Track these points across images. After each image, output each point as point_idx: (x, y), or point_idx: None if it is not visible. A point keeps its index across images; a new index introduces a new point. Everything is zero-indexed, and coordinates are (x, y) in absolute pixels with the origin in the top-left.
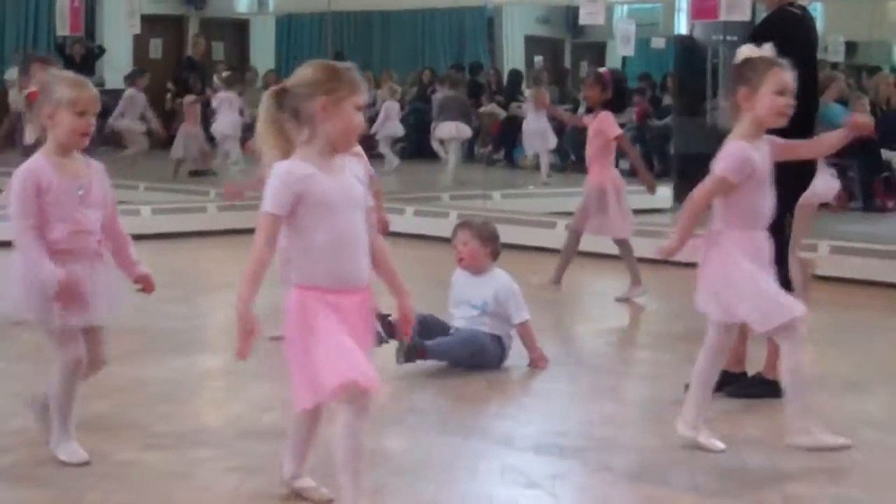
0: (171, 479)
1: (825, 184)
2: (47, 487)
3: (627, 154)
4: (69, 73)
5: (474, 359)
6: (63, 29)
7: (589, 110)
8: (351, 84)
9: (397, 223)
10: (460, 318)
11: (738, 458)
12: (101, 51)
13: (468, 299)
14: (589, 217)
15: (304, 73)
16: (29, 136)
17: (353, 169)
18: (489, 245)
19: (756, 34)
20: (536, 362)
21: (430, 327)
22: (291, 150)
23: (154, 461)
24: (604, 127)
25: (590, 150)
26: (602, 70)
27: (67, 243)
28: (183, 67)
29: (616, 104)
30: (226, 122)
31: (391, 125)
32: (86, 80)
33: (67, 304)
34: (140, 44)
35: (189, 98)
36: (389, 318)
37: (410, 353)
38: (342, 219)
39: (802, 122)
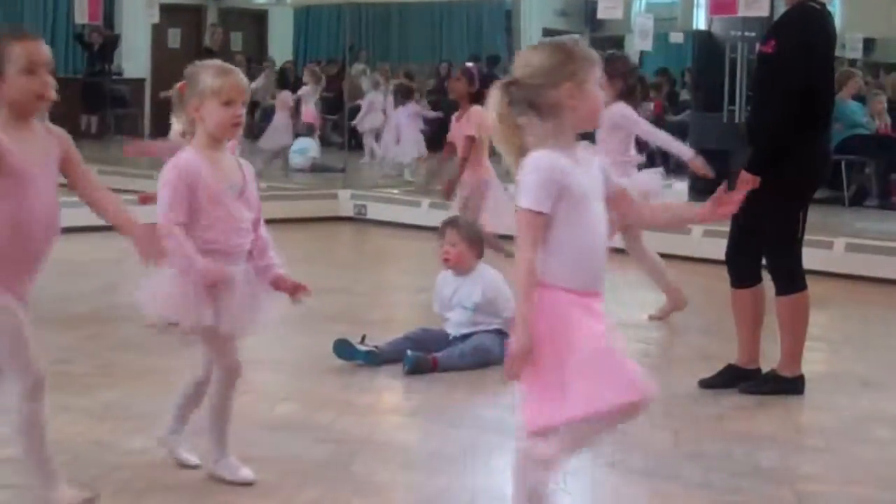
0: (180, 469)
1: (646, 179)
2: None
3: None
4: (216, 61)
5: (485, 364)
6: (82, 17)
7: (455, 105)
8: (586, 60)
9: (413, 215)
10: (456, 322)
11: (751, 455)
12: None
13: (460, 301)
14: (479, 213)
15: (534, 59)
16: (176, 130)
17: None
18: (476, 247)
19: (775, 29)
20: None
21: (427, 342)
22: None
23: (164, 451)
24: (470, 123)
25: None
26: (469, 64)
27: (223, 243)
28: (201, 58)
29: (479, 97)
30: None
31: (373, 116)
32: (232, 67)
33: (219, 303)
34: (158, 33)
35: (285, 93)
36: (375, 348)
37: (421, 367)
38: (595, 213)
39: (821, 119)
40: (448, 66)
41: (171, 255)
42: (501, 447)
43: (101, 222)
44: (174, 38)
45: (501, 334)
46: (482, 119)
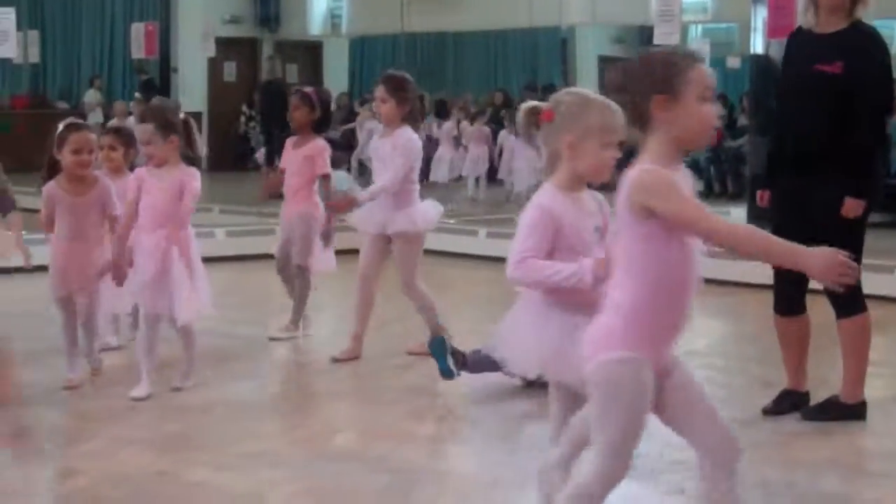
0: (243, 500)
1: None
2: None
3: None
4: (598, 97)
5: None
6: (138, 52)
7: (293, 133)
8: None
9: (470, 245)
10: None
11: (814, 482)
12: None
13: None
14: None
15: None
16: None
17: None
18: None
19: (840, 49)
20: None
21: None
22: None
23: (225, 482)
24: (314, 155)
25: (297, 178)
26: (308, 89)
27: (579, 293)
28: (262, 91)
29: (322, 125)
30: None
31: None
32: (616, 106)
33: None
34: (214, 67)
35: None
36: (464, 353)
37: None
38: None
39: (889, 138)
40: (503, 95)
41: (531, 285)
42: None
43: None
44: (230, 71)
45: None
46: (324, 153)
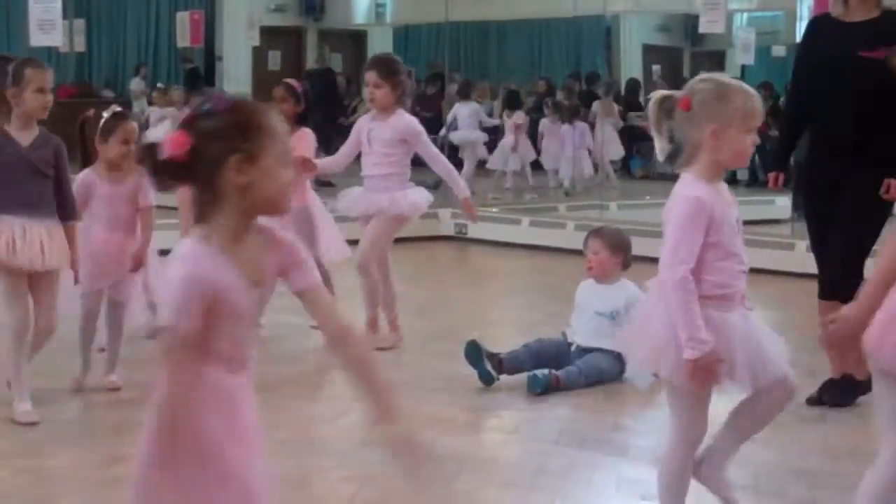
0: (288, 487)
1: (415, 198)
2: None
3: None
4: (734, 80)
5: (593, 384)
6: (183, 41)
7: None
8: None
9: (513, 233)
10: (585, 330)
11: (857, 471)
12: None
13: (594, 307)
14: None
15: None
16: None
17: None
18: (619, 254)
19: (881, 35)
20: None
21: (545, 353)
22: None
23: (272, 469)
24: (297, 145)
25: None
26: (293, 82)
27: (729, 287)
28: (313, 80)
29: (304, 118)
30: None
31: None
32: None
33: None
34: (259, 56)
35: (519, 115)
36: (499, 355)
37: (546, 388)
38: None
39: None
40: (546, 84)
41: (672, 305)
42: (604, 465)
43: None
44: (274, 60)
45: (619, 359)
46: (309, 142)
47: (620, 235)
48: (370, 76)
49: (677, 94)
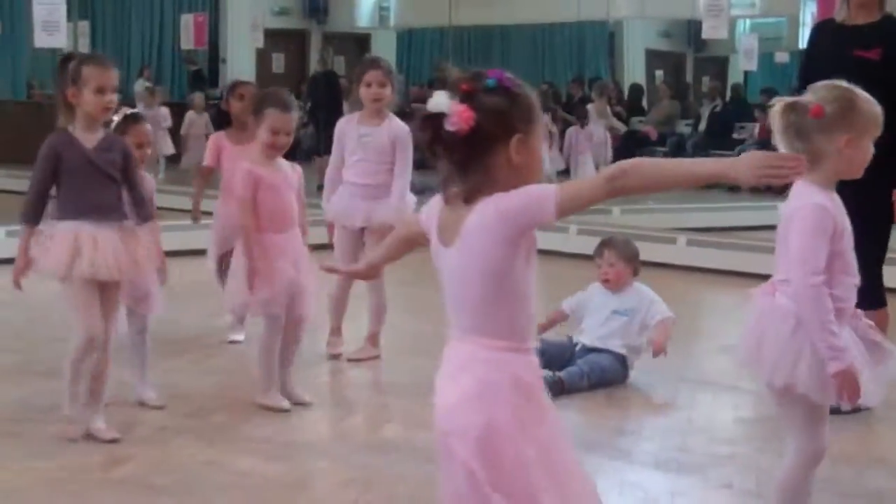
0: (290, 489)
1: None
2: (169, 496)
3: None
4: (857, 89)
5: (595, 386)
6: (187, 43)
7: (228, 126)
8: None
9: (560, 242)
10: (595, 330)
11: (860, 477)
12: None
13: (611, 307)
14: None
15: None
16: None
17: None
18: (633, 264)
19: (880, 36)
20: (656, 347)
21: (549, 354)
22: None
23: (274, 472)
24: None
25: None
26: (249, 82)
27: (845, 301)
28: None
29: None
30: None
31: None
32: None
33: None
34: (263, 58)
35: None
36: (562, 375)
37: (555, 390)
38: None
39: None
40: (548, 87)
41: (807, 314)
42: (607, 469)
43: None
44: (278, 62)
45: (623, 362)
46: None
47: (632, 245)
48: (376, 75)
49: (805, 101)
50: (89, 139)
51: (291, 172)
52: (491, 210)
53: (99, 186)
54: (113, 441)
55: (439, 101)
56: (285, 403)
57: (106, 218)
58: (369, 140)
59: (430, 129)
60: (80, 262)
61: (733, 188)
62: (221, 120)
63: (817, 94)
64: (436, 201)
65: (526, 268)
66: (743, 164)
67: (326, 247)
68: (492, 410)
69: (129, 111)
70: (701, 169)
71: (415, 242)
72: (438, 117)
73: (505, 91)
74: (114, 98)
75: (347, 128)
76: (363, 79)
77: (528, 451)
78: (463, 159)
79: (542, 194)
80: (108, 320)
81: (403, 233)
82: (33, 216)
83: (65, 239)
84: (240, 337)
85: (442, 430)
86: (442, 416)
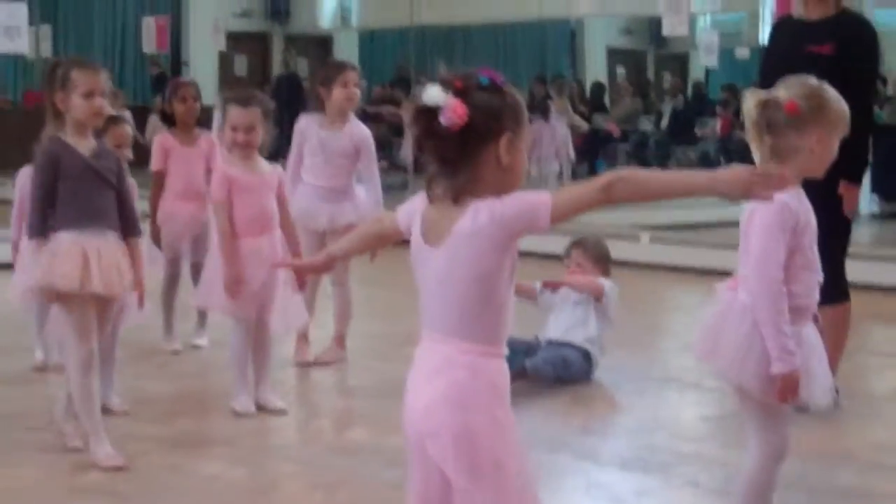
0: (256, 493)
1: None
2: (130, 502)
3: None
4: (826, 87)
5: (560, 377)
6: (149, 46)
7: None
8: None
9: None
10: (558, 323)
11: (828, 474)
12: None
13: (573, 298)
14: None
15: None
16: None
17: None
18: (601, 265)
19: (831, 31)
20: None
21: (516, 351)
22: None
23: (239, 476)
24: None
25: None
26: (192, 81)
27: (807, 298)
28: (280, 85)
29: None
30: None
31: None
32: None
33: None
34: (225, 60)
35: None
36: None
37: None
38: None
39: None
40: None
41: (759, 312)
42: (573, 469)
43: None
44: (241, 65)
45: (587, 358)
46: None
47: (602, 247)
48: (354, 76)
49: (779, 97)
50: (83, 145)
51: (271, 174)
52: (485, 215)
53: (99, 193)
54: (118, 469)
55: (434, 94)
56: (251, 410)
57: (106, 226)
58: (330, 144)
59: (422, 123)
60: (88, 278)
61: None
62: (165, 122)
63: (790, 90)
64: (418, 200)
65: (510, 275)
66: (731, 181)
67: None
68: (470, 414)
69: (111, 114)
70: (693, 181)
71: (387, 240)
72: (432, 111)
73: (497, 90)
74: (104, 102)
75: (308, 129)
76: (339, 79)
77: (507, 457)
78: (452, 156)
79: (536, 201)
80: (100, 333)
81: (374, 229)
82: (41, 229)
83: (71, 253)
84: (203, 341)
85: (416, 430)
86: (417, 417)
